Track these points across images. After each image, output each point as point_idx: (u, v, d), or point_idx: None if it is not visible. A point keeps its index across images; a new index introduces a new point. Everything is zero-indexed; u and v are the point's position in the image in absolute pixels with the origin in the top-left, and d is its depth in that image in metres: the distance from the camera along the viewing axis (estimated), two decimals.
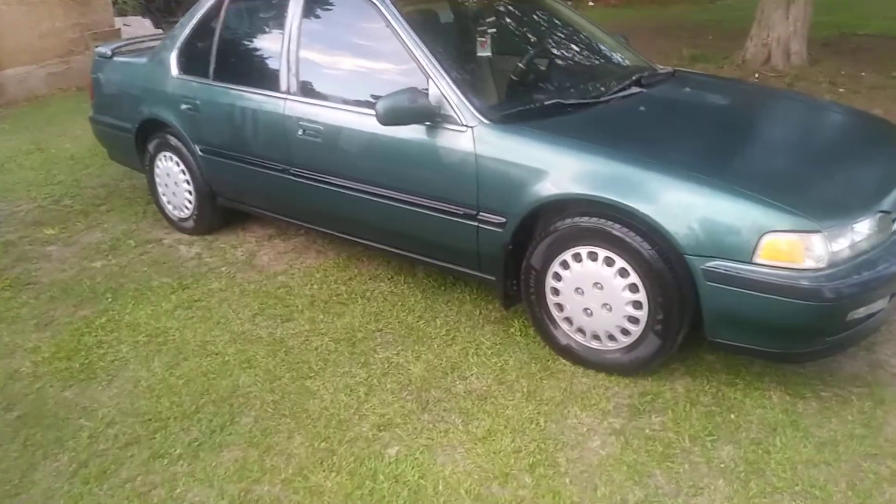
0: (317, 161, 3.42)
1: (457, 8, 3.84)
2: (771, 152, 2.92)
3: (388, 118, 2.89)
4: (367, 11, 3.23)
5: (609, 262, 2.63)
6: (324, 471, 2.38)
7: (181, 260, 4.02)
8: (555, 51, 3.83)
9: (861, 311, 2.42)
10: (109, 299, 3.60)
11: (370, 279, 3.61)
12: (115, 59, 4.60)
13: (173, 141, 4.15)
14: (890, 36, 8.54)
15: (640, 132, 2.98)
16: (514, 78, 3.42)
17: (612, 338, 2.72)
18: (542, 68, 3.51)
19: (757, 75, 7.14)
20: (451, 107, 2.90)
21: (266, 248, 4.10)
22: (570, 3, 5.27)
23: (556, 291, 2.80)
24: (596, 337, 2.76)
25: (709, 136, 3.02)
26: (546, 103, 3.05)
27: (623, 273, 2.61)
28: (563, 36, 3.99)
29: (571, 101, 3.07)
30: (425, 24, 3.25)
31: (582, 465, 2.35)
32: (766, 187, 2.45)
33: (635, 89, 3.28)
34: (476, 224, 2.90)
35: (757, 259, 2.34)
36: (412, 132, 2.99)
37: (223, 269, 3.87)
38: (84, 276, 3.87)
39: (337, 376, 2.87)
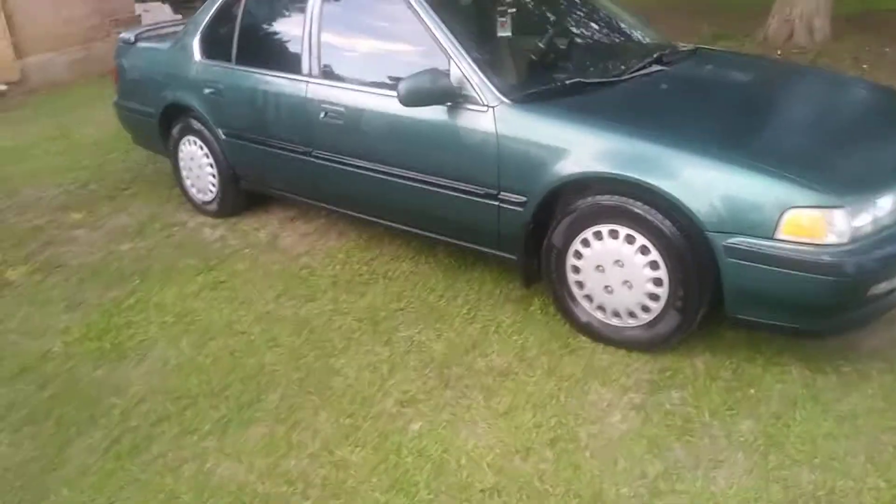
0: (339, 143, 3.45)
1: None
2: (793, 128, 2.92)
3: (410, 99, 2.92)
4: None
5: (630, 239, 2.64)
6: (349, 445, 2.44)
7: (205, 242, 4.08)
8: (575, 29, 3.83)
9: (882, 287, 2.42)
10: (137, 281, 3.67)
11: (391, 259, 3.65)
12: (139, 44, 4.66)
13: (196, 125, 4.20)
14: None
15: (661, 110, 2.98)
16: (534, 57, 3.43)
17: (632, 315, 2.74)
18: (563, 47, 3.51)
19: (779, 52, 7.05)
20: (473, 87, 2.92)
21: (288, 230, 4.15)
22: None
23: (576, 269, 2.82)
24: (616, 314, 2.79)
25: (731, 113, 3.01)
26: (567, 82, 3.05)
27: (644, 250, 2.62)
28: (582, 14, 3.98)
29: (592, 80, 3.07)
30: (445, 5, 3.25)
31: (602, 440, 2.38)
32: (789, 163, 2.46)
33: (656, 67, 3.28)
34: (497, 204, 2.92)
35: (779, 235, 2.35)
36: (433, 113, 3.01)
37: (247, 250, 3.93)
38: (112, 259, 3.95)
39: (360, 354, 2.92)
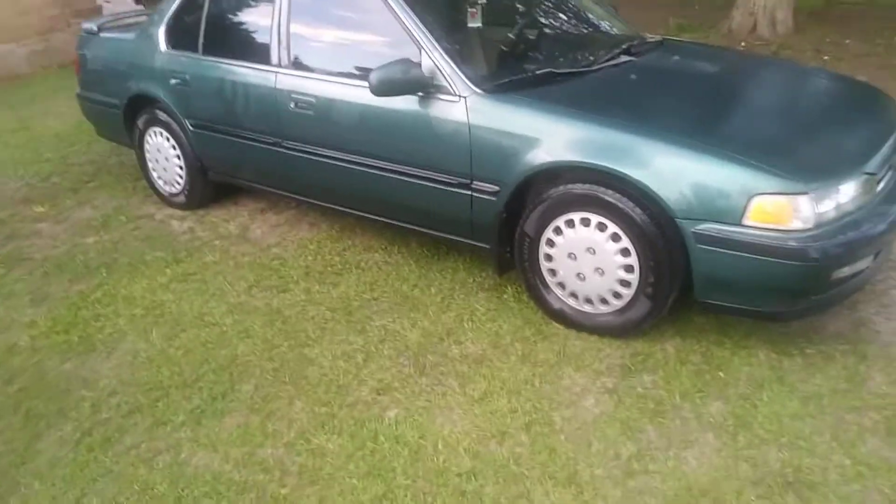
0: (309, 134, 3.43)
1: None
2: (759, 117, 2.98)
3: (382, 89, 2.91)
4: None
5: (601, 227, 2.68)
6: (325, 433, 2.44)
7: (174, 234, 4.04)
8: (545, 20, 3.86)
9: (846, 271, 2.49)
10: (104, 274, 3.62)
11: (364, 250, 3.65)
12: (102, 34, 4.57)
13: (163, 116, 4.14)
14: (875, 4, 8.58)
15: (631, 100, 3.02)
16: (505, 48, 3.44)
17: (604, 301, 2.78)
18: (533, 38, 3.54)
19: (743, 44, 7.18)
20: (444, 77, 2.93)
21: (258, 221, 4.12)
22: None
23: (549, 257, 2.85)
24: (588, 301, 2.82)
25: (698, 103, 3.06)
26: (538, 72, 3.09)
27: (615, 238, 2.66)
28: (552, 5, 4.01)
29: (563, 71, 3.10)
30: None
31: (576, 423, 2.42)
32: (755, 151, 2.51)
33: (625, 58, 3.32)
34: (470, 193, 2.94)
35: (746, 221, 2.40)
36: (405, 103, 3.01)
37: (216, 242, 3.89)
38: (77, 252, 3.89)
39: (334, 344, 2.92)
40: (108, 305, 3.33)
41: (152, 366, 2.87)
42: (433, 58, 2.95)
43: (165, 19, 4.11)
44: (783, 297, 2.54)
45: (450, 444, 2.36)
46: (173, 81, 3.97)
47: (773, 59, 5.78)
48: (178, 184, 4.27)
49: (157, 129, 4.22)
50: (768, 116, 3.00)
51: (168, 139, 4.18)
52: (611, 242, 2.68)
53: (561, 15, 3.98)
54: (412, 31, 3.03)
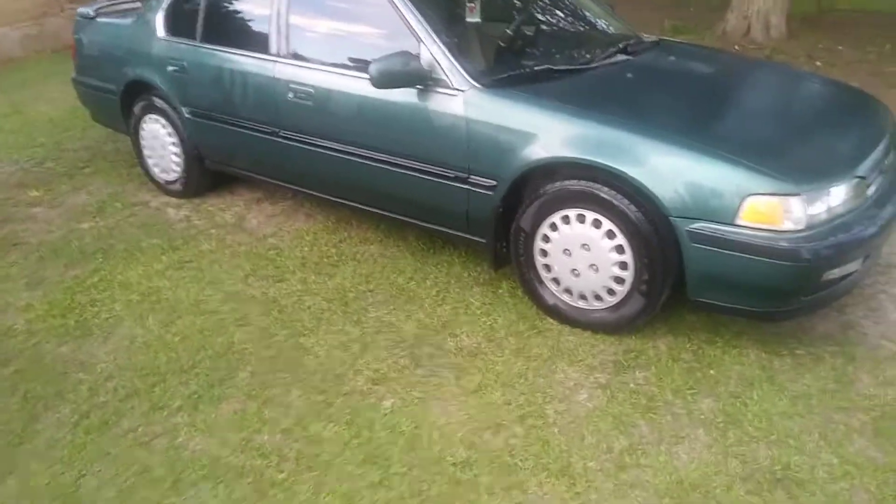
0: (307, 124, 3.45)
1: None
2: (753, 119, 3.02)
3: (382, 81, 2.93)
4: None
5: (597, 224, 2.72)
6: (322, 421, 2.47)
7: (170, 222, 4.04)
8: (543, 17, 3.89)
9: (836, 272, 2.54)
10: (100, 259, 3.62)
11: (360, 242, 3.67)
12: (99, 19, 4.55)
13: (160, 103, 4.14)
14: (868, 11, 8.65)
15: (627, 98, 3.06)
16: (503, 44, 3.47)
17: (598, 297, 2.82)
18: (531, 34, 3.56)
19: (737, 47, 7.23)
20: (443, 71, 2.95)
21: (254, 211, 4.13)
22: None
23: (544, 253, 2.89)
24: (583, 297, 2.86)
25: (694, 103, 3.10)
26: (536, 69, 3.12)
27: (610, 235, 2.70)
28: (551, 2, 4.03)
29: (561, 67, 3.13)
30: None
31: (569, 417, 2.46)
32: (749, 152, 2.55)
33: (622, 57, 3.35)
34: (467, 187, 2.97)
35: (739, 221, 2.44)
36: (404, 95, 3.03)
37: (212, 231, 3.90)
38: (72, 237, 3.89)
39: (331, 334, 2.95)
40: (105, 291, 3.34)
41: (149, 351, 2.89)
42: (432, 51, 2.97)
43: (164, 5, 4.10)
44: (774, 297, 2.58)
45: (445, 434, 2.39)
46: (171, 68, 3.98)
47: (767, 62, 5.83)
48: (175, 171, 4.27)
49: (154, 116, 4.22)
50: (762, 118, 3.04)
51: (164, 126, 4.18)
52: (606, 239, 2.71)
53: (559, 12, 4.01)
54: (412, 23, 3.05)
